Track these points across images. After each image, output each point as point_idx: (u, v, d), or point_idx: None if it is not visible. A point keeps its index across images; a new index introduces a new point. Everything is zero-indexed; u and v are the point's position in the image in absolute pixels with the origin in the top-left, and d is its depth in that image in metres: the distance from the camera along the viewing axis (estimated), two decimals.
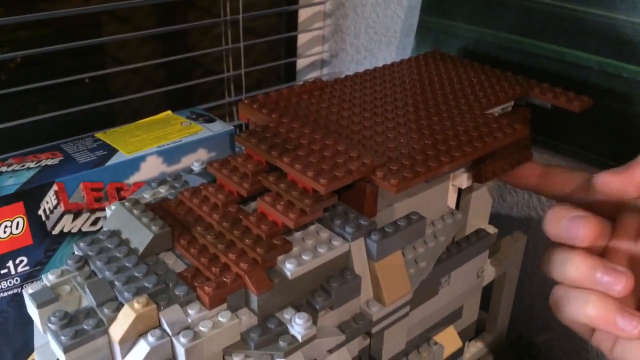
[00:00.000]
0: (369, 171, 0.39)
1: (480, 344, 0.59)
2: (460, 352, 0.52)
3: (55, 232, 0.48)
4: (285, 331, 0.35)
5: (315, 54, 0.86)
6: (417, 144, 0.42)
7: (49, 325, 0.32)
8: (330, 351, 0.38)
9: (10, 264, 0.46)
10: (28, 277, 0.48)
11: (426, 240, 0.45)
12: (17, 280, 0.47)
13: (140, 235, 0.37)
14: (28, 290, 0.35)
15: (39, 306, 0.34)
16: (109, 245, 0.37)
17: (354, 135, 0.43)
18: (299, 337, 0.35)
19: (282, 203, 0.38)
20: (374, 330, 0.40)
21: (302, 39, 0.86)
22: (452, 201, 0.51)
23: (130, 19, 0.72)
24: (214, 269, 0.35)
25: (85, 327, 0.32)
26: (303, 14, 0.84)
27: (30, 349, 0.50)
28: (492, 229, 0.54)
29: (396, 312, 0.41)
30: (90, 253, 0.37)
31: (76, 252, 0.38)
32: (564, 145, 0.61)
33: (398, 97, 0.50)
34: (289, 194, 0.38)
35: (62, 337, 0.32)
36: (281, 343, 0.35)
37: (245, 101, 0.48)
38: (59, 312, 0.33)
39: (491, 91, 0.51)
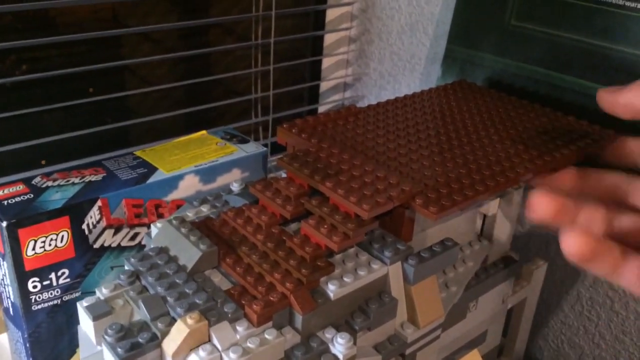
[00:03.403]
0: (408, 198, 0.40)
1: None
2: None
3: (97, 246, 0.50)
4: (327, 350, 0.37)
5: (339, 77, 0.88)
6: (453, 173, 0.44)
7: (105, 337, 0.34)
8: None
9: (52, 275, 0.48)
10: (68, 289, 0.49)
11: (456, 265, 0.47)
12: (57, 292, 0.49)
13: (188, 253, 0.39)
14: (83, 303, 0.36)
15: (95, 318, 0.35)
16: (159, 262, 0.39)
17: (391, 162, 0.45)
18: (341, 357, 0.36)
19: (325, 226, 0.39)
20: (408, 351, 0.42)
21: (326, 62, 0.88)
22: (477, 228, 0.53)
23: (159, 39, 0.74)
24: (260, 287, 0.37)
25: (140, 340, 0.34)
26: (329, 39, 0.86)
27: (62, 358, 0.52)
28: (515, 255, 0.56)
29: (429, 335, 0.43)
30: (141, 269, 0.38)
31: (127, 268, 0.39)
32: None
33: (430, 125, 0.52)
34: (332, 218, 0.40)
35: (119, 349, 0.33)
36: None
37: (285, 125, 0.50)
38: (115, 325, 0.34)
39: (519, 122, 0.53)
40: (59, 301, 0.49)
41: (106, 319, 0.36)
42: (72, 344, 0.51)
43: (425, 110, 0.56)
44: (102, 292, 0.37)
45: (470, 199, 0.41)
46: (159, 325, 0.34)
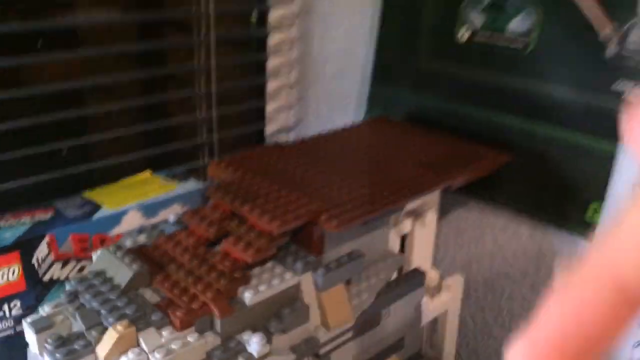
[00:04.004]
0: (315, 215, 0.47)
1: None
2: None
3: (46, 279, 0.55)
4: (244, 349, 0.42)
5: (282, 121, 0.96)
6: (357, 193, 0.50)
7: (46, 346, 0.39)
8: None
9: (5, 307, 0.53)
10: (19, 321, 0.54)
11: (369, 276, 0.53)
12: (11, 323, 0.54)
13: (122, 274, 0.45)
14: (27, 320, 0.41)
15: (37, 331, 0.40)
16: (96, 282, 0.44)
17: (305, 188, 0.51)
18: (255, 354, 0.42)
19: (242, 243, 0.45)
20: (321, 351, 0.47)
21: (270, 106, 0.95)
22: (395, 245, 0.59)
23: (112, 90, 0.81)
24: (184, 298, 0.42)
25: (77, 347, 0.39)
26: (271, 85, 0.93)
27: None
28: (434, 272, 0.62)
29: (340, 337, 0.48)
30: (79, 288, 0.44)
31: (68, 288, 0.44)
32: (497, 197, 0.70)
33: (348, 156, 0.59)
34: (248, 236, 0.46)
35: (57, 355, 0.38)
36: (240, 359, 0.41)
37: (214, 161, 0.56)
38: (54, 335, 0.39)
39: (427, 150, 0.60)
40: (12, 332, 0.54)
41: (47, 332, 0.41)
42: None
43: (342, 143, 0.63)
44: (44, 310, 0.42)
45: (368, 214, 0.47)
46: (93, 333, 0.40)
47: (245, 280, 0.44)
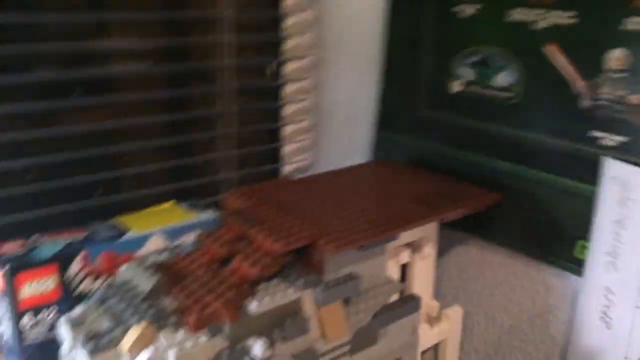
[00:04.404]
0: (315, 238, 0.53)
1: None
2: None
3: (78, 291, 0.61)
4: (248, 353, 0.48)
5: (299, 162, 1.03)
6: (355, 222, 0.57)
7: (77, 339, 0.45)
8: None
9: (42, 314, 0.60)
10: (53, 327, 0.61)
11: (367, 298, 0.59)
12: (46, 329, 0.60)
13: (145, 283, 0.51)
14: (64, 317, 0.48)
15: (72, 327, 0.47)
16: (122, 289, 0.51)
17: (309, 215, 0.58)
18: (258, 357, 0.48)
19: (249, 261, 0.52)
20: None
21: (286, 149, 1.03)
22: (394, 274, 0.65)
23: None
24: (198, 305, 0.49)
25: (104, 341, 0.45)
26: (287, 130, 1.01)
27: None
28: (434, 302, 0.68)
29: (337, 349, 0.54)
30: (108, 294, 0.50)
31: (97, 294, 0.51)
32: (493, 235, 0.76)
33: (349, 191, 0.66)
34: (255, 255, 0.52)
35: (88, 347, 0.45)
36: None
37: (231, 192, 0.63)
38: (85, 331, 0.46)
39: (423, 188, 0.67)
40: (46, 338, 0.61)
41: (80, 328, 0.47)
42: None
43: (345, 181, 0.70)
44: (76, 312, 0.49)
45: (362, 239, 0.54)
46: (118, 330, 0.46)
47: (252, 293, 0.50)
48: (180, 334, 0.47)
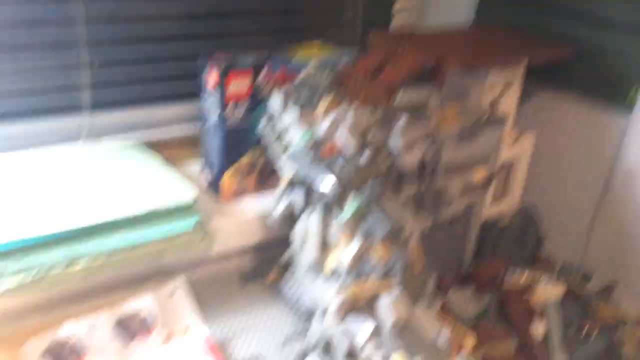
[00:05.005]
0: (442, 59, 0.76)
1: None
2: None
3: (262, 94, 0.87)
4: (393, 126, 0.73)
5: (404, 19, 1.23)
6: (466, 54, 0.79)
7: (289, 102, 0.71)
8: None
9: (239, 106, 0.85)
10: (244, 118, 0.87)
11: (469, 110, 0.82)
12: (239, 118, 0.86)
13: (324, 80, 0.76)
14: (276, 92, 0.74)
15: (283, 96, 0.73)
16: (308, 83, 0.76)
17: (435, 49, 0.81)
18: (399, 132, 0.72)
19: (396, 70, 0.76)
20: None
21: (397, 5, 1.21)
22: (486, 100, 0.88)
23: None
24: (363, 92, 0.73)
25: (307, 104, 0.71)
26: None
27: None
28: (513, 129, 0.90)
29: (447, 138, 0.78)
30: (297, 86, 0.76)
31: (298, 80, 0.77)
32: (565, 85, 0.97)
33: (460, 39, 0.88)
34: (399, 66, 0.76)
35: (292, 100, 0.70)
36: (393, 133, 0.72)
37: (374, 32, 0.87)
38: (291, 95, 0.71)
39: (512, 41, 0.88)
40: (239, 124, 0.87)
41: (290, 96, 0.73)
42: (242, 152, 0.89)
43: (456, 35, 0.91)
44: (283, 89, 0.74)
45: (472, 61, 0.76)
46: (315, 100, 0.71)
47: (397, 91, 0.75)
48: (353, 107, 0.72)
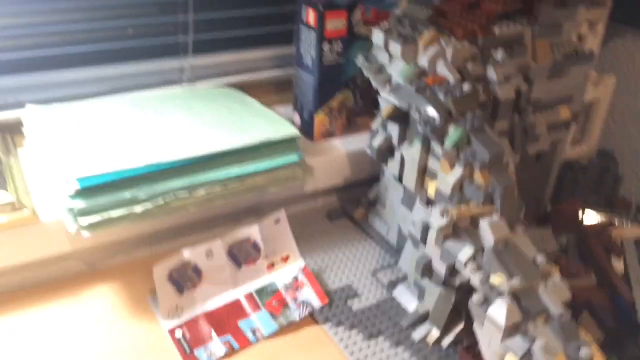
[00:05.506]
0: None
1: None
2: None
3: (356, 31, 0.91)
4: (493, 58, 0.76)
5: None
6: None
7: (391, 37, 0.74)
8: None
9: (334, 45, 0.89)
10: (340, 55, 0.90)
11: (562, 45, 0.84)
12: (336, 56, 0.90)
13: (422, 14, 0.79)
14: (376, 29, 0.77)
15: (384, 33, 0.76)
16: (407, 16, 0.79)
17: None
18: (499, 62, 0.75)
19: (494, 2, 0.78)
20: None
21: None
22: (574, 37, 0.89)
23: None
24: (462, 24, 0.76)
25: (410, 39, 0.74)
26: None
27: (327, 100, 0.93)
28: (595, 72, 0.92)
29: (541, 71, 0.81)
30: (398, 20, 0.79)
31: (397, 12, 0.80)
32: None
33: None
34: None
35: (400, 40, 0.74)
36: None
37: None
38: (395, 35, 0.75)
39: None
40: (337, 61, 0.91)
41: (390, 34, 0.76)
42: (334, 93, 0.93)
43: None
44: (384, 25, 0.78)
45: None
46: (417, 36, 0.75)
47: (495, 23, 0.77)
48: (452, 40, 0.75)
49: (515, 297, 0.63)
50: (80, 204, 0.68)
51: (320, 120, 0.95)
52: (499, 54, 0.75)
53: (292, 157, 0.82)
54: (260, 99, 0.95)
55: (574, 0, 0.81)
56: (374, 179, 0.94)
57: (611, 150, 1.08)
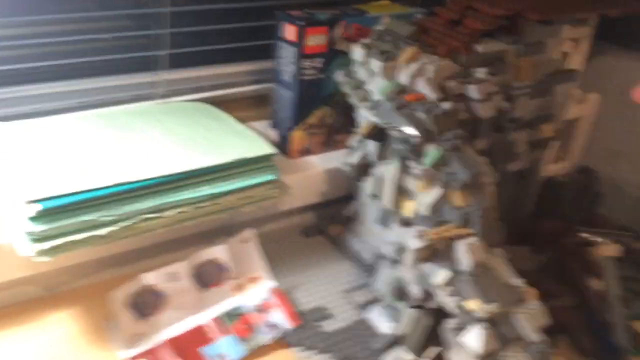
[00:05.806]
0: (521, 9, 0.77)
1: None
2: None
3: (336, 48, 0.89)
4: (473, 77, 0.74)
5: None
6: (547, 5, 0.80)
7: (370, 54, 0.73)
8: None
9: (315, 60, 0.87)
10: (320, 72, 0.88)
11: (543, 60, 0.83)
12: (314, 72, 0.88)
13: (403, 31, 0.77)
14: (355, 45, 0.75)
15: (363, 49, 0.74)
16: (388, 33, 0.78)
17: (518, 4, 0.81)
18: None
19: (477, 20, 0.76)
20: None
21: None
22: (559, 54, 0.88)
23: None
24: (444, 43, 0.74)
25: (388, 56, 0.72)
26: None
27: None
28: (578, 90, 0.90)
29: (522, 89, 0.79)
30: (379, 37, 0.77)
31: (373, 35, 0.78)
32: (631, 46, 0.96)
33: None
34: (479, 17, 0.77)
35: (377, 59, 0.72)
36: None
37: None
38: (375, 54, 0.73)
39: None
40: (312, 80, 0.89)
41: (371, 50, 0.74)
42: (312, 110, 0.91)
43: None
44: (365, 40, 0.76)
45: (548, 15, 0.77)
46: (395, 52, 0.73)
47: (477, 41, 0.75)
48: (434, 57, 0.73)
49: (492, 322, 0.60)
50: (40, 227, 0.64)
51: (299, 136, 0.93)
52: (481, 72, 0.74)
53: (267, 176, 0.80)
54: (237, 114, 0.92)
55: (558, 18, 0.80)
56: (352, 196, 0.92)
57: (592, 167, 1.07)
